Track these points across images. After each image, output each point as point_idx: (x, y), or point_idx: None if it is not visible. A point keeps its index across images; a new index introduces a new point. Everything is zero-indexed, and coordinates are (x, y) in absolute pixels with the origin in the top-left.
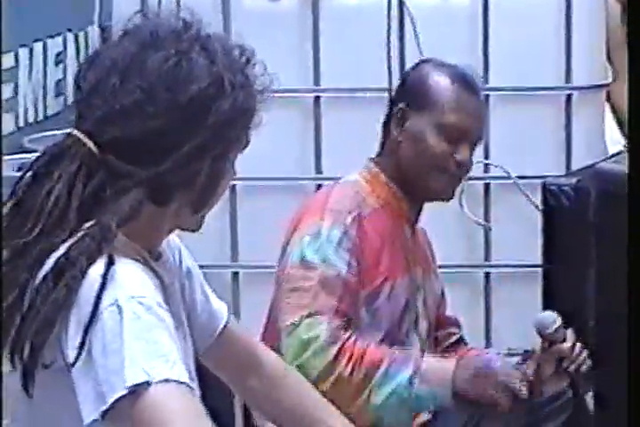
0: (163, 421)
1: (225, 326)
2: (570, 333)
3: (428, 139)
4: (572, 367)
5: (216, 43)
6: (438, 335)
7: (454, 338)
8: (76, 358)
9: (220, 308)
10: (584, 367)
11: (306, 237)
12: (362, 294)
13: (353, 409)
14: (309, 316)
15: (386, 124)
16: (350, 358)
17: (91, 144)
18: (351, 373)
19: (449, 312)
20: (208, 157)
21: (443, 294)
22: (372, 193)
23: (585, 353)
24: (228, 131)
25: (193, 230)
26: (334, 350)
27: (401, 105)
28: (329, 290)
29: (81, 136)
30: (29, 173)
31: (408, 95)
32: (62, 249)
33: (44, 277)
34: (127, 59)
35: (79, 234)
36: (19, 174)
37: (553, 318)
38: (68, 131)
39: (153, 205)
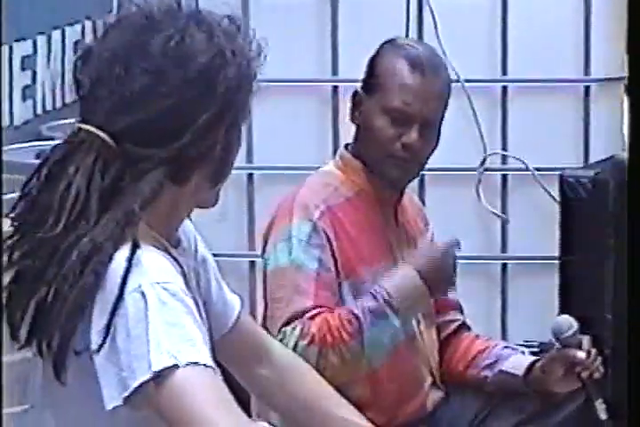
0: (192, 403)
1: (238, 317)
2: (586, 339)
3: (374, 123)
4: (585, 374)
5: (208, 16)
6: (439, 322)
7: (456, 324)
8: (101, 344)
9: (233, 298)
10: (597, 374)
11: (279, 243)
12: (346, 283)
13: (366, 373)
14: (280, 329)
15: None
16: (332, 344)
17: (105, 136)
18: (340, 357)
19: (461, 301)
20: (222, 126)
21: None
22: (347, 180)
23: (599, 360)
24: (236, 97)
25: (211, 206)
26: (315, 350)
27: (359, 90)
28: (298, 291)
29: (93, 129)
30: (43, 170)
31: (364, 81)
32: (87, 237)
33: (71, 266)
34: (127, 46)
35: (103, 221)
36: (37, 162)
37: (569, 323)
38: (77, 126)
39: (172, 186)
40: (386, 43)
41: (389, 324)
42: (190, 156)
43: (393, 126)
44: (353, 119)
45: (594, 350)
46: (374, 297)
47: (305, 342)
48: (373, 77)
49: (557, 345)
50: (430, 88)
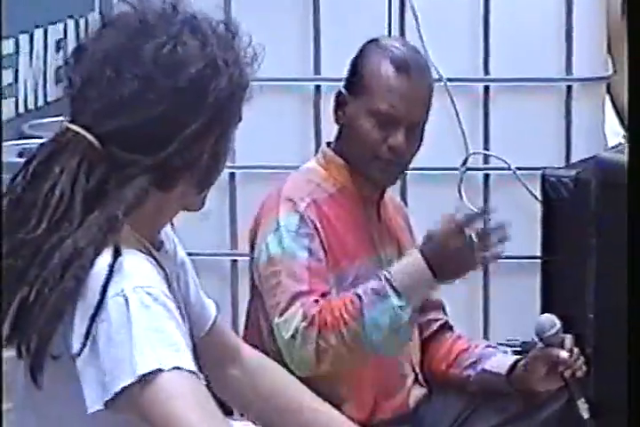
0: (176, 407)
1: (215, 320)
2: (569, 338)
3: (360, 125)
4: (568, 373)
5: (203, 22)
6: (421, 322)
7: (438, 324)
8: (81, 349)
9: (209, 302)
10: (579, 373)
11: (268, 235)
12: (329, 276)
13: (363, 360)
14: (282, 314)
15: None
16: (332, 327)
17: (91, 137)
18: (341, 339)
19: (444, 299)
20: (211, 136)
21: None
22: (329, 177)
23: (582, 359)
24: (227, 108)
25: (195, 210)
26: (314, 331)
27: (343, 90)
28: (294, 278)
29: (80, 130)
30: (28, 169)
31: (349, 80)
32: (69, 241)
33: (52, 268)
34: (119, 48)
35: (85, 225)
36: (19, 160)
37: (552, 322)
38: (65, 125)
39: (158, 191)
40: (369, 42)
41: (390, 303)
42: (177, 164)
43: (379, 128)
44: (337, 119)
45: (576, 349)
46: (378, 278)
47: (305, 323)
48: (358, 78)
49: (540, 344)
50: (416, 90)
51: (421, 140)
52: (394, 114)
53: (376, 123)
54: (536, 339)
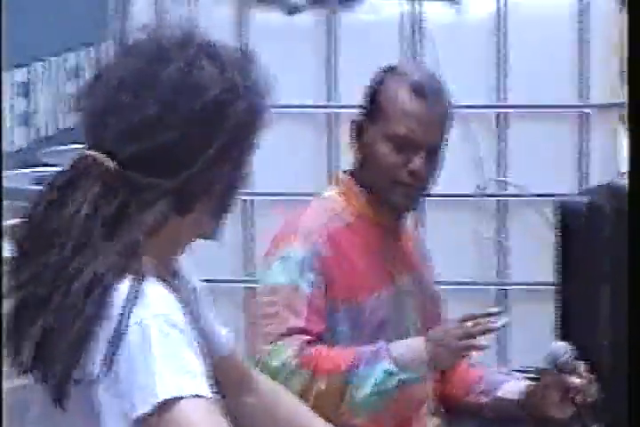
0: None
1: (228, 349)
2: (582, 365)
3: (379, 150)
4: (580, 399)
5: (221, 49)
6: None
7: None
8: (101, 375)
9: (224, 330)
10: (592, 400)
11: (275, 261)
12: (343, 309)
13: (341, 416)
14: (275, 342)
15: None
16: (323, 371)
17: (110, 163)
18: (328, 384)
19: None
20: (228, 160)
21: (438, 294)
22: (348, 206)
23: (595, 386)
24: (244, 133)
25: (213, 239)
26: (306, 370)
27: (359, 117)
28: (293, 311)
29: (98, 156)
30: (47, 195)
31: (365, 108)
32: (90, 267)
33: (74, 294)
34: (136, 74)
35: (106, 251)
36: (35, 188)
37: (565, 349)
38: (83, 152)
39: (176, 216)
40: (386, 69)
41: (382, 366)
42: (195, 188)
43: (397, 153)
44: (355, 147)
45: (589, 376)
46: (374, 344)
47: (297, 361)
48: (375, 104)
49: (553, 371)
50: (434, 114)
51: (439, 164)
52: (412, 137)
53: (394, 147)
54: (549, 366)
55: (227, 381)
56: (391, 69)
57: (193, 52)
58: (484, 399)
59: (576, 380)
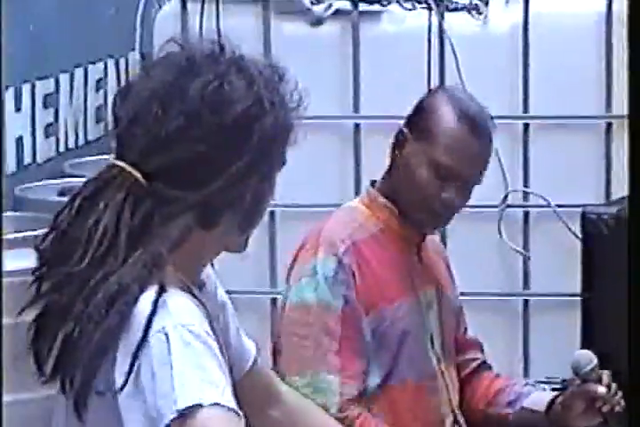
0: None
1: (255, 361)
2: (606, 374)
3: (418, 170)
4: (606, 408)
5: (250, 63)
6: (459, 361)
7: (476, 363)
8: (124, 385)
9: (249, 343)
10: (618, 408)
11: (303, 278)
12: (366, 319)
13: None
14: (316, 376)
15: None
16: None
17: (137, 174)
18: None
19: (483, 338)
20: (254, 175)
21: (461, 307)
22: (372, 217)
23: (620, 394)
24: (271, 148)
25: (238, 252)
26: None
27: (405, 129)
28: (330, 333)
29: (126, 166)
30: (73, 204)
31: (413, 121)
32: (114, 277)
33: (97, 305)
34: (166, 86)
35: (130, 261)
36: (60, 199)
37: (589, 358)
38: (111, 162)
39: (200, 230)
40: (439, 89)
41: None
42: (220, 202)
43: (435, 179)
44: (393, 156)
45: (614, 385)
46: None
47: (338, 413)
48: (424, 123)
49: (578, 381)
50: (482, 152)
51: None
52: (456, 170)
53: (434, 173)
54: (573, 375)
55: (253, 393)
56: (445, 92)
57: (223, 66)
58: (508, 411)
59: (601, 389)
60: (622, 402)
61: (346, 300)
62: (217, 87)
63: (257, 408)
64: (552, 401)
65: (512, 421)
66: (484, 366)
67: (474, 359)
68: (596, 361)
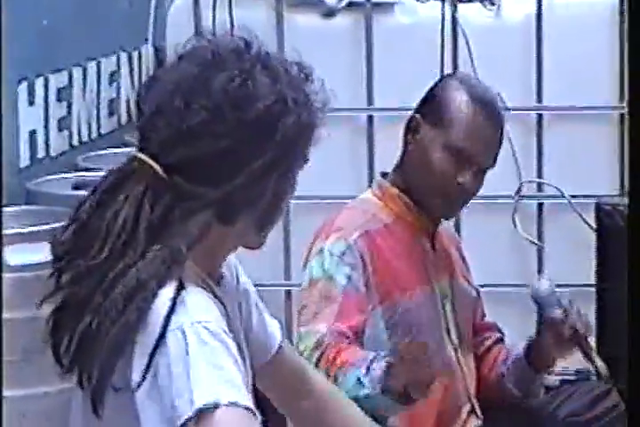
0: None
1: (280, 347)
2: (567, 299)
3: (433, 154)
4: (568, 331)
5: (276, 61)
6: (475, 342)
7: (490, 341)
8: (141, 382)
9: (274, 328)
10: (584, 331)
11: (313, 258)
12: (380, 308)
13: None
14: (305, 327)
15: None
16: (326, 361)
17: (157, 167)
18: (326, 376)
19: (499, 324)
20: (275, 173)
21: (478, 294)
22: (385, 207)
23: (584, 317)
24: (293, 147)
25: (256, 248)
26: (315, 356)
27: (417, 115)
28: (329, 301)
29: (146, 159)
30: (94, 196)
31: (426, 107)
32: (133, 272)
33: (115, 299)
34: (190, 80)
35: (149, 256)
36: (74, 193)
37: (547, 284)
38: (132, 154)
39: (220, 226)
40: (450, 76)
41: (358, 373)
42: (240, 199)
43: (451, 163)
44: (406, 143)
45: (575, 307)
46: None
47: (313, 346)
48: (437, 109)
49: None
50: (496, 135)
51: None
52: (472, 153)
53: (450, 157)
54: (533, 303)
55: (282, 381)
56: (457, 79)
57: (248, 62)
58: (502, 370)
59: (556, 312)
60: (588, 323)
61: (349, 279)
62: (241, 83)
63: (285, 396)
64: (528, 346)
65: (507, 381)
66: (497, 342)
67: (488, 338)
68: (553, 286)
